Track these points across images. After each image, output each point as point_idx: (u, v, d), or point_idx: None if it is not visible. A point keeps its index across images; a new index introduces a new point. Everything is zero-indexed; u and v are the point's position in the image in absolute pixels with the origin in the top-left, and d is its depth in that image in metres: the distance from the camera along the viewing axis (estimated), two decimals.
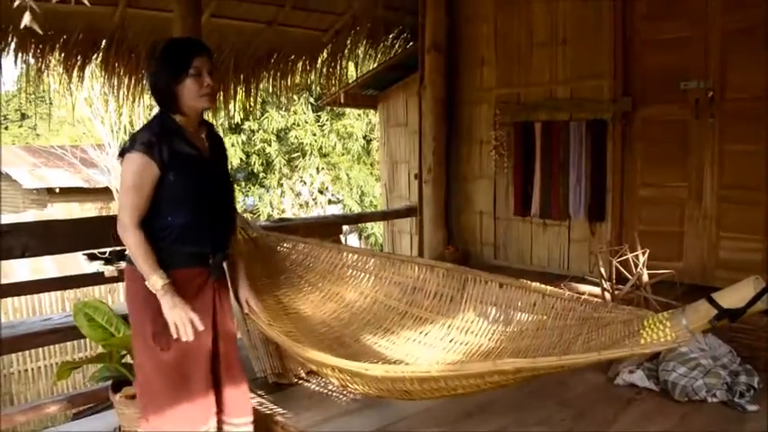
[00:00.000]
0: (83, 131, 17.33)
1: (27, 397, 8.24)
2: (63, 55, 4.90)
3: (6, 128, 24.07)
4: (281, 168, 14.30)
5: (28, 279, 5.56)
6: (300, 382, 3.43)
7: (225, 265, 2.60)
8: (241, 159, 14.08)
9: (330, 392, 3.30)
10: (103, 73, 5.17)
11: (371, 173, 14.51)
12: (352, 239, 13.51)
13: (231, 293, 2.64)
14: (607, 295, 3.70)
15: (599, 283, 3.77)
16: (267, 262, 3.02)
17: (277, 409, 3.15)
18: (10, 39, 4.56)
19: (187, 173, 2.34)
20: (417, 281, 2.79)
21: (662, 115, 4.42)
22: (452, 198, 5.75)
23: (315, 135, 14.05)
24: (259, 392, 3.33)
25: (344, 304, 2.88)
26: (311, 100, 13.64)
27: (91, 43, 4.99)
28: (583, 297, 2.30)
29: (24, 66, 4.82)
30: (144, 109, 5.88)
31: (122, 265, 3.99)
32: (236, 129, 13.80)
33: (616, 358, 1.93)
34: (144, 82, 5.26)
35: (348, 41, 6.34)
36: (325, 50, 6.35)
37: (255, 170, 14.39)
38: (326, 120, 14.17)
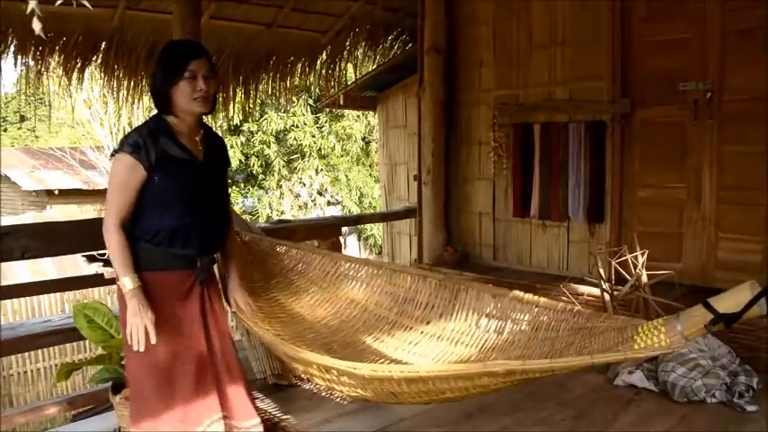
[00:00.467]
0: (82, 133, 17.34)
1: (27, 398, 8.23)
2: (62, 57, 4.91)
3: (5, 130, 24.04)
4: (280, 170, 14.31)
5: (27, 281, 5.57)
6: (300, 383, 3.44)
7: (216, 267, 2.60)
8: (240, 161, 14.09)
9: (330, 394, 3.30)
10: (103, 75, 5.18)
11: (370, 174, 14.52)
12: (352, 241, 13.52)
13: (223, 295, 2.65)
14: (606, 296, 3.71)
15: (598, 284, 3.78)
16: (259, 265, 3.01)
17: (277, 410, 3.16)
18: (10, 41, 4.57)
19: (175, 176, 2.33)
20: (409, 291, 2.76)
21: (661, 116, 4.42)
22: (452, 199, 5.75)
23: (314, 136, 14.06)
24: (259, 394, 3.34)
25: (334, 311, 2.86)
26: (310, 101, 13.66)
27: (90, 45, 4.99)
28: (576, 308, 2.29)
29: (24, 68, 4.82)
30: (143, 111, 5.89)
31: None
32: (235, 130, 13.82)
33: (609, 362, 1.91)
34: (143, 83, 5.28)
35: (347, 43, 6.36)
36: (325, 52, 6.36)
37: (254, 172, 14.40)
38: (325, 121, 14.19)
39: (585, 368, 3.17)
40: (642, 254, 3.71)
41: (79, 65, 5.01)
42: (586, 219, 4.79)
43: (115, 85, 5.21)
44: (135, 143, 2.26)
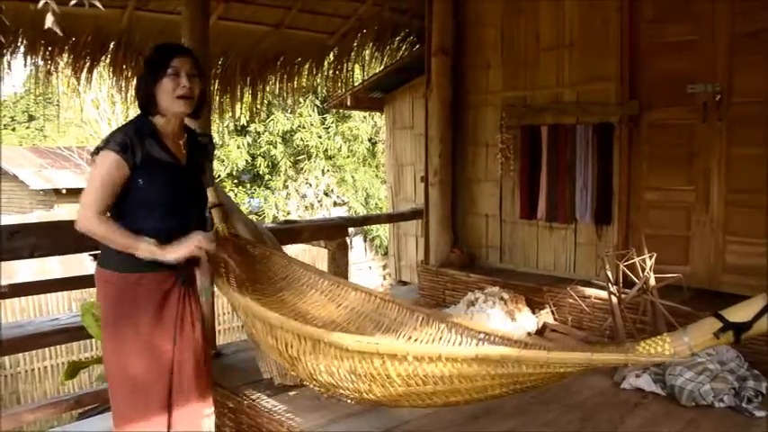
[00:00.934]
0: (90, 133, 17.41)
1: (34, 396, 8.27)
2: (71, 57, 4.93)
3: (14, 129, 24.18)
4: (286, 170, 14.33)
5: (34, 279, 5.58)
6: (305, 383, 3.43)
7: (198, 272, 2.61)
8: (247, 161, 14.11)
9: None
10: (111, 75, 5.20)
11: (377, 175, 14.52)
12: (358, 242, 13.52)
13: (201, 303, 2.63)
14: (614, 299, 3.70)
15: (605, 286, 3.77)
16: (248, 269, 2.99)
17: (282, 410, 3.16)
18: (20, 41, 4.59)
19: (158, 178, 2.34)
20: (394, 322, 2.71)
21: (669, 119, 4.40)
22: (458, 201, 5.74)
23: (320, 137, 14.07)
24: (265, 393, 3.35)
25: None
26: (317, 102, 13.67)
27: (99, 45, 5.01)
28: (573, 344, 2.25)
29: (33, 68, 4.85)
30: None
31: None
32: (241, 131, 13.86)
33: (609, 364, 1.88)
34: None
35: (354, 44, 6.36)
36: (332, 53, 6.37)
37: (261, 172, 14.42)
38: (332, 122, 14.20)
39: (592, 371, 3.17)
40: (650, 257, 3.70)
41: (88, 65, 5.03)
42: (594, 221, 4.77)
43: (123, 85, 5.23)
44: (122, 142, 2.26)
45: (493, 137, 5.36)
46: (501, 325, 4.19)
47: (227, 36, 5.46)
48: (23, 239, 3.28)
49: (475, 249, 5.67)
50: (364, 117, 14.04)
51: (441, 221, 5.65)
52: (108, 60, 5.13)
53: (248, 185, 14.89)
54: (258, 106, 6.38)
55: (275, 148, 14.05)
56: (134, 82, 5.26)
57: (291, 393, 3.36)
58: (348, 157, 14.43)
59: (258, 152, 14.21)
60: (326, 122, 14.22)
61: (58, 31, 1.46)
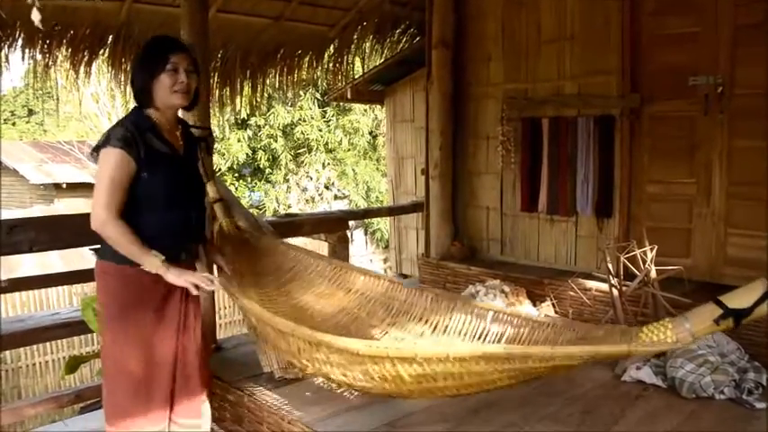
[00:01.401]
0: (90, 127, 17.39)
1: (35, 391, 8.29)
2: (70, 50, 4.91)
3: (14, 124, 24.18)
4: (287, 164, 14.31)
5: (34, 274, 5.59)
6: (307, 377, 3.43)
7: (197, 264, 2.62)
8: (247, 154, 14.09)
9: (337, 388, 3.30)
10: (110, 68, 5.18)
11: (377, 168, 14.51)
12: (358, 235, 13.52)
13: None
14: (615, 292, 3.69)
15: (606, 279, 3.76)
16: (255, 262, 2.99)
17: (283, 403, 3.15)
18: (17, 34, 4.57)
19: (162, 171, 2.35)
20: (404, 304, 2.74)
21: (670, 111, 4.39)
22: (459, 194, 5.74)
23: (321, 131, 14.05)
24: (265, 387, 3.34)
25: (324, 317, 2.84)
26: (317, 95, 13.64)
27: (98, 39, 4.99)
28: (576, 322, 2.27)
29: (32, 61, 4.83)
30: None
31: None
32: (242, 124, 13.83)
33: (613, 355, 1.89)
34: None
35: (355, 37, 6.34)
36: (332, 46, 6.35)
37: (261, 165, 14.40)
38: (332, 115, 14.17)
39: (592, 364, 3.17)
40: (651, 249, 3.69)
41: (86, 58, 5.01)
42: (595, 214, 4.77)
43: (122, 79, 5.21)
44: (124, 138, 2.27)
45: (494, 129, 5.35)
46: None
47: (227, 29, 5.44)
48: (23, 234, 3.27)
49: (476, 242, 5.67)
50: (365, 110, 14.01)
51: (441, 214, 5.64)
52: (107, 54, 5.11)
53: (249, 179, 14.88)
54: (258, 99, 6.36)
55: (276, 141, 14.03)
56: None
57: (292, 386, 3.35)
58: (349, 150, 14.41)
59: (259, 145, 14.20)
60: (327, 115, 14.20)
61: (39, 26, 1.44)
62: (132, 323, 2.35)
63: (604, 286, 3.92)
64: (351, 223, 6.48)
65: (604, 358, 1.85)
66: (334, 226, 5.15)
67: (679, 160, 4.37)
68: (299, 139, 14.10)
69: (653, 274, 3.67)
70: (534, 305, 4.56)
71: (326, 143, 14.19)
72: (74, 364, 3.33)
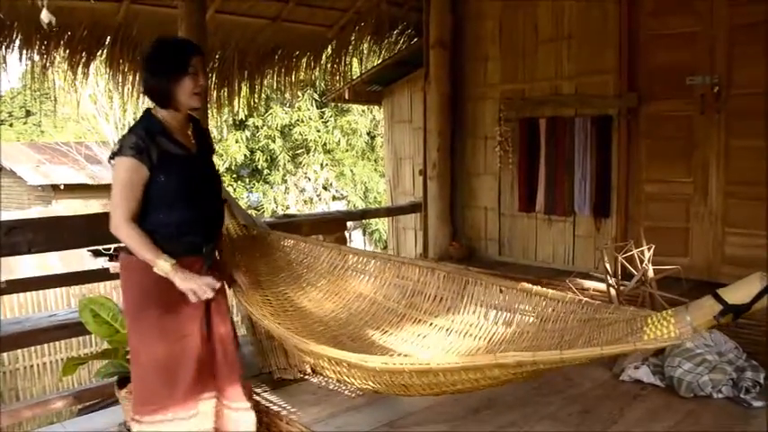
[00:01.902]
0: (87, 128, 17.38)
1: (33, 393, 8.26)
2: (68, 51, 4.91)
3: (11, 125, 24.13)
4: (285, 164, 14.31)
5: (33, 275, 5.59)
6: (305, 377, 3.44)
7: (217, 254, 2.65)
8: (245, 155, 14.08)
9: (335, 388, 3.30)
10: (108, 69, 5.18)
11: (375, 169, 14.51)
12: (357, 236, 13.52)
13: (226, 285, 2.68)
14: (612, 291, 3.70)
15: (604, 278, 3.77)
16: (267, 259, 3.02)
17: (282, 404, 3.16)
18: (15, 35, 4.57)
19: (177, 172, 2.41)
20: (417, 283, 2.78)
21: (667, 111, 4.40)
22: (457, 194, 5.74)
23: (319, 131, 14.04)
24: (264, 388, 3.34)
25: (343, 305, 2.87)
26: (315, 96, 13.64)
27: (95, 39, 4.99)
28: (585, 299, 2.29)
29: (29, 62, 4.83)
30: (149, 105, 5.88)
31: None
32: (240, 125, 13.82)
33: (619, 354, 1.91)
34: None
35: (352, 37, 6.34)
36: (330, 46, 6.35)
37: (260, 166, 14.40)
38: (330, 116, 14.17)
39: (593, 362, 3.18)
40: (648, 249, 3.70)
41: (84, 59, 5.01)
42: (592, 213, 4.77)
43: (120, 80, 5.21)
44: (136, 145, 2.34)
45: (491, 130, 5.36)
46: None
47: (225, 29, 5.44)
48: (21, 235, 3.28)
49: (474, 242, 5.67)
50: (363, 111, 14.01)
51: (440, 215, 5.65)
52: (104, 55, 5.11)
53: (247, 180, 14.87)
54: (256, 100, 6.36)
55: (274, 142, 14.03)
56: (131, 76, 5.26)
57: (291, 387, 3.36)
58: (347, 150, 14.41)
59: (257, 146, 14.19)
60: (325, 116, 14.20)
61: (50, 25, 1.45)
62: (156, 312, 2.42)
63: (602, 286, 3.92)
64: (349, 224, 6.49)
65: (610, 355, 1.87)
66: (332, 227, 5.15)
67: (676, 160, 4.38)
68: (297, 139, 14.10)
69: (650, 273, 3.68)
70: None
71: (325, 144, 14.19)
72: (72, 366, 3.32)
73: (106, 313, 3.15)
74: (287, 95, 8.08)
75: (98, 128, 16.01)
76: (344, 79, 6.77)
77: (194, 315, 2.47)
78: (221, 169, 13.78)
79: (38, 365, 8.47)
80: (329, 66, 6.46)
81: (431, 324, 2.67)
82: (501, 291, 2.52)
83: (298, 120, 13.88)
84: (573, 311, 2.26)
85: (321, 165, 14.34)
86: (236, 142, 13.76)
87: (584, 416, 2.99)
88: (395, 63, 6.71)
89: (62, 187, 16.08)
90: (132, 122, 2.56)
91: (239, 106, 6.37)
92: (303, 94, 13.27)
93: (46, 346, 8.26)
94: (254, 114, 12.57)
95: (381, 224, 12.67)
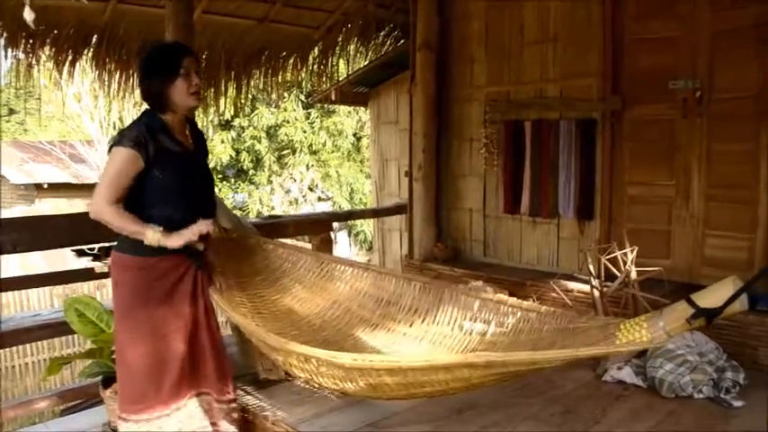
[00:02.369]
0: (72, 127, 17.24)
1: (14, 393, 8.20)
2: (54, 50, 4.89)
3: None
4: (270, 165, 14.28)
5: (14, 275, 5.54)
6: (290, 378, 3.44)
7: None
8: (231, 156, 14.04)
9: (320, 389, 3.31)
10: (94, 68, 5.16)
11: (361, 170, 14.52)
12: (342, 237, 13.52)
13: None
14: (596, 293, 3.73)
15: (588, 280, 3.80)
16: (245, 262, 3.02)
17: (267, 404, 3.16)
18: (0, 33, 4.53)
19: (172, 169, 2.48)
20: (393, 294, 2.79)
21: (651, 114, 4.44)
22: (442, 195, 5.77)
23: (305, 132, 14.04)
24: (249, 388, 3.35)
25: (317, 311, 2.88)
26: (301, 97, 13.63)
27: (82, 38, 4.98)
28: (558, 310, 2.32)
29: (14, 60, 4.80)
30: (134, 105, 5.87)
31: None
32: (225, 125, 13.78)
33: (593, 356, 1.93)
34: (134, 78, 5.26)
35: (339, 39, 6.35)
36: (317, 47, 6.36)
37: (245, 167, 14.37)
38: (316, 117, 14.17)
39: (574, 364, 3.22)
40: (631, 251, 3.74)
41: (70, 58, 4.99)
42: (576, 216, 4.81)
43: (106, 79, 5.19)
44: (136, 138, 2.40)
45: (477, 132, 5.39)
46: None
47: (212, 30, 5.44)
48: (5, 234, 3.26)
49: (459, 243, 5.70)
50: (349, 112, 14.02)
51: (425, 216, 5.67)
52: (91, 54, 5.09)
53: (232, 180, 14.83)
54: (242, 101, 6.36)
55: (259, 142, 14.00)
56: (117, 75, 5.24)
57: (275, 388, 3.37)
58: (333, 152, 14.41)
59: (242, 147, 14.16)
60: (311, 117, 14.19)
61: (31, 24, 1.46)
62: (145, 310, 2.47)
63: (586, 287, 3.96)
64: (334, 225, 6.49)
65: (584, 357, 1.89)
66: (318, 227, 5.16)
67: (659, 163, 4.43)
68: (282, 140, 14.08)
69: (633, 275, 3.72)
70: None
71: (310, 145, 14.18)
72: (56, 366, 3.30)
73: (91, 313, 3.15)
74: (273, 96, 8.09)
75: (82, 127, 15.89)
76: (331, 80, 6.78)
77: (182, 313, 2.52)
78: None
79: (19, 366, 8.42)
80: (316, 67, 6.47)
81: (404, 334, 2.69)
82: (476, 302, 2.54)
83: (284, 120, 13.87)
84: (547, 322, 2.29)
85: (307, 166, 14.33)
86: (222, 142, 13.72)
87: (567, 416, 3.03)
88: (381, 65, 6.73)
89: (45, 186, 15.95)
90: (117, 122, 2.62)
91: (225, 106, 6.36)
92: (289, 95, 13.26)
93: (28, 346, 8.22)
94: (240, 115, 12.54)
95: (367, 225, 12.69)
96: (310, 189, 14.70)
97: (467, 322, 2.54)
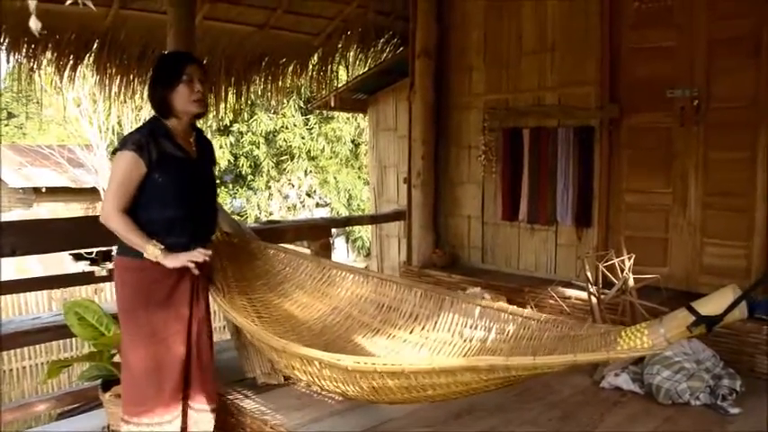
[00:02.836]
0: (71, 131, 17.24)
1: (12, 397, 8.18)
2: (55, 55, 4.91)
3: None
4: (269, 171, 14.30)
5: (13, 278, 5.54)
6: (289, 382, 3.45)
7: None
8: (229, 161, 14.08)
9: (319, 393, 3.32)
10: (95, 73, 5.18)
11: (359, 176, 14.54)
12: (340, 243, 13.53)
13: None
14: (593, 300, 3.75)
15: (585, 287, 3.82)
16: (246, 267, 3.05)
17: (266, 409, 3.17)
18: (2, 38, 4.55)
19: (173, 173, 2.53)
20: (394, 300, 2.81)
21: (648, 122, 4.47)
22: (441, 202, 5.78)
23: (303, 138, 14.07)
24: (248, 392, 3.35)
25: (318, 316, 2.90)
26: (300, 103, 13.66)
27: (83, 43, 4.99)
28: (559, 318, 2.34)
29: (16, 64, 4.82)
30: (133, 110, 5.89)
31: (110, 265, 3.99)
32: (224, 131, 13.82)
33: (594, 362, 1.95)
34: (135, 83, 5.29)
35: (339, 46, 6.38)
36: (316, 54, 6.38)
37: (243, 172, 14.39)
38: (315, 123, 14.20)
39: (572, 370, 3.23)
40: (629, 258, 3.75)
41: (71, 63, 5.01)
42: (574, 223, 4.83)
43: (107, 84, 5.21)
44: (138, 142, 2.46)
45: (475, 139, 5.41)
46: None
47: (212, 36, 5.46)
48: (4, 238, 3.27)
49: (457, 250, 5.72)
50: (347, 118, 14.06)
51: (423, 223, 5.68)
52: (92, 59, 5.11)
53: (230, 186, 14.85)
54: (242, 106, 6.38)
55: (258, 148, 14.03)
56: (118, 80, 5.27)
57: (274, 392, 3.37)
58: (331, 158, 14.43)
59: (241, 152, 14.18)
60: (310, 123, 14.23)
61: (36, 33, 1.48)
62: (144, 313, 2.53)
63: (583, 294, 3.97)
64: (333, 231, 6.50)
65: (584, 363, 1.91)
66: (317, 233, 5.17)
67: (656, 171, 4.45)
68: (281, 146, 14.11)
69: (631, 282, 3.73)
70: None
71: (309, 151, 14.21)
72: (56, 369, 3.31)
73: (91, 316, 3.16)
74: (272, 102, 8.10)
75: (81, 131, 15.89)
76: (330, 87, 6.81)
77: (182, 316, 2.55)
78: None
79: (17, 369, 8.41)
80: (315, 73, 6.49)
81: (404, 340, 2.70)
82: (477, 309, 2.56)
83: (282, 126, 13.90)
84: (548, 329, 2.30)
85: (305, 171, 14.36)
86: (221, 147, 13.74)
87: (564, 421, 3.04)
88: (380, 72, 6.76)
89: (44, 190, 15.96)
90: (116, 126, 2.68)
91: (225, 112, 6.38)
92: (288, 101, 13.29)
93: (26, 349, 8.21)
94: (239, 120, 12.58)
95: (364, 231, 12.70)
96: (308, 195, 14.72)
97: (467, 330, 2.55)
